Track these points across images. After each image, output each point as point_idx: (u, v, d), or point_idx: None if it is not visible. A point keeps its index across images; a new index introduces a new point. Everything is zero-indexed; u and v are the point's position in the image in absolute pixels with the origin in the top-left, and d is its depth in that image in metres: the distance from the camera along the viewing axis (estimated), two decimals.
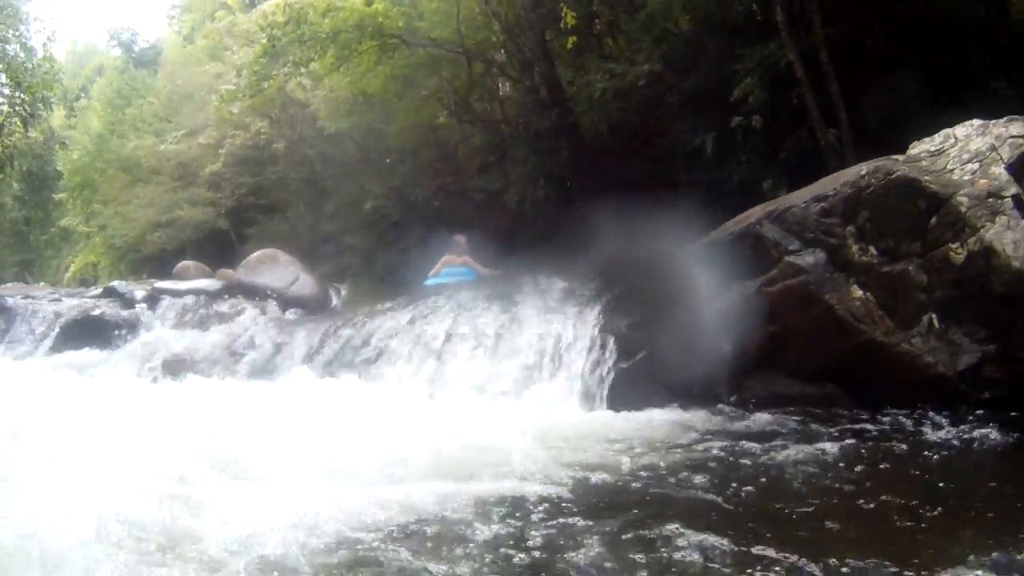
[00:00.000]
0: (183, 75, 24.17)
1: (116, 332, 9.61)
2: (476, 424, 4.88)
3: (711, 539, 2.87)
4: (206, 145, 21.24)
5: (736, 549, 2.80)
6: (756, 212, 5.20)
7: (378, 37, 12.51)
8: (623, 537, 2.99)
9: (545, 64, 11.82)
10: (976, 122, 4.81)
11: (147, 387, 7.42)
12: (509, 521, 3.23)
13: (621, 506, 3.39)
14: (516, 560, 2.81)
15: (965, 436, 3.97)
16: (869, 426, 4.27)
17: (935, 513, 3.09)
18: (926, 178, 4.38)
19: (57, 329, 9.99)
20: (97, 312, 10.07)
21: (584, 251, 8.69)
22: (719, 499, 3.44)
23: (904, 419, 4.23)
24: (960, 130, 4.79)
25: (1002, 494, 3.26)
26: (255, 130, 19.05)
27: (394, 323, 7.12)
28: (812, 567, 2.65)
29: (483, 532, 3.11)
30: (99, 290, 12.21)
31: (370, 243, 16.50)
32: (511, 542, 3.00)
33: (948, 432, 4.04)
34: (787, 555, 2.75)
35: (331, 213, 18.52)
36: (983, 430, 3.98)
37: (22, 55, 20.45)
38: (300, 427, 4.90)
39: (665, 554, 2.79)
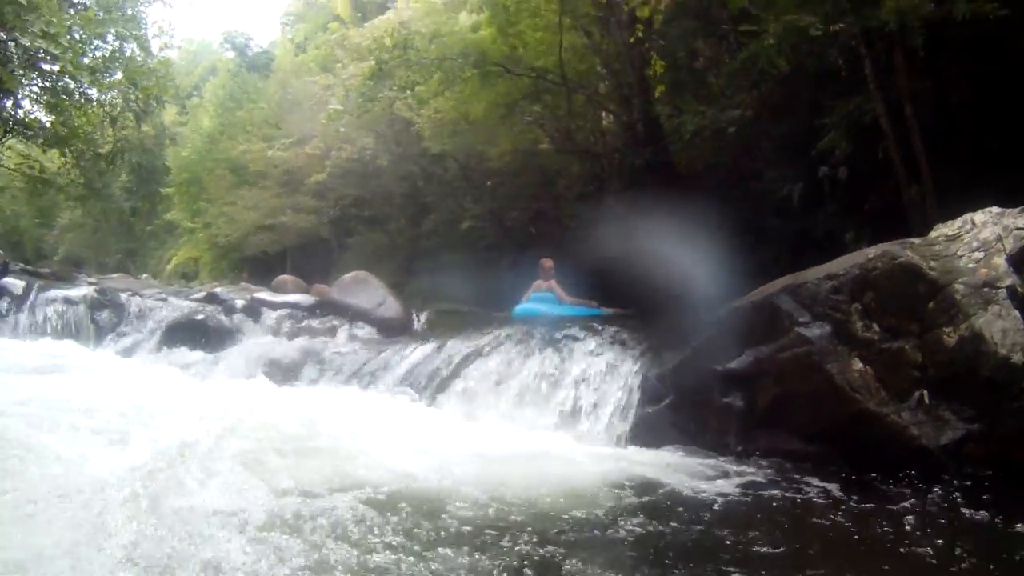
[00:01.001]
0: (294, 83, 25.32)
1: (216, 336, 10.74)
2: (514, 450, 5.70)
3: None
4: (312, 155, 22.34)
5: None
6: (777, 284, 5.85)
7: (481, 65, 13.33)
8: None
9: (643, 99, 12.46)
10: (994, 210, 5.29)
11: (249, 387, 8.38)
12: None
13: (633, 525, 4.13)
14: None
15: (938, 506, 4.46)
16: (853, 486, 4.83)
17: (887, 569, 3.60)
18: (931, 264, 4.98)
19: (163, 328, 11.19)
20: (200, 317, 11.24)
21: (665, 290, 9.16)
22: (703, 527, 4.15)
23: (887, 484, 4.73)
24: (979, 216, 5.31)
25: (952, 561, 3.69)
26: (361, 145, 20.05)
27: (461, 353, 7.99)
28: None
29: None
30: (202, 294, 13.46)
31: (466, 262, 17.33)
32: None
33: (923, 501, 4.53)
34: None
35: (430, 230, 19.49)
36: (957, 503, 4.48)
37: (140, 54, 22.14)
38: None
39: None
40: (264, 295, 12.85)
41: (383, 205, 21.27)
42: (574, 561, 3.57)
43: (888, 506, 4.49)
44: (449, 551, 3.57)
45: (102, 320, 11.68)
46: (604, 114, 14.66)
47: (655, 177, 12.36)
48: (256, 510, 3.97)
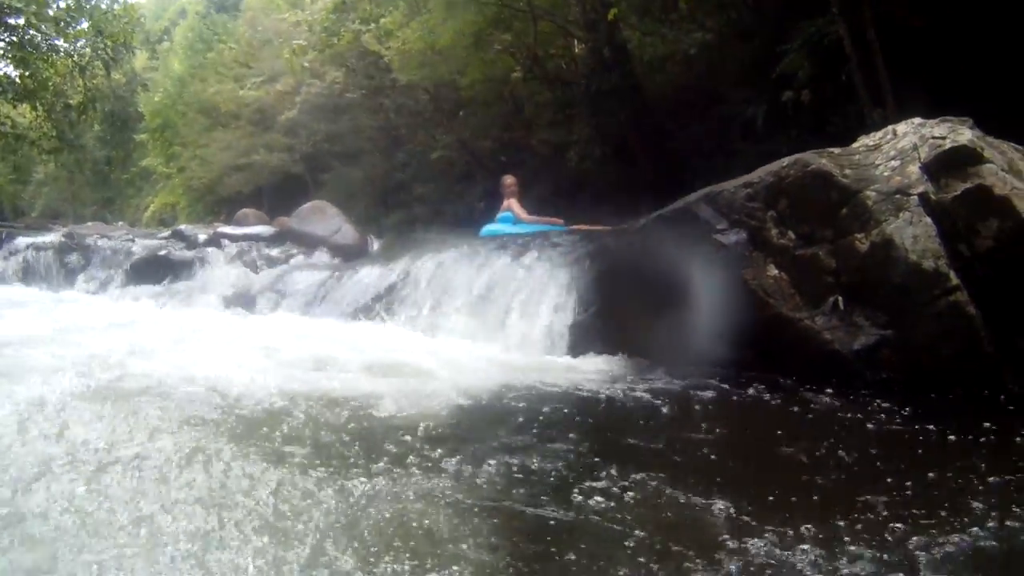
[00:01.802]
0: (263, 22, 25.26)
1: (178, 269, 11.14)
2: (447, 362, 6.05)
3: (569, 452, 3.87)
4: (283, 92, 22.48)
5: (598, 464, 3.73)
6: (698, 193, 6.10)
7: None
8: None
9: (608, 24, 12.62)
10: (916, 120, 5.45)
11: (202, 314, 8.90)
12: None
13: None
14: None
15: (851, 410, 4.59)
16: (769, 391, 4.95)
17: (793, 473, 3.68)
18: (845, 171, 5.20)
19: (128, 266, 11.56)
20: (163, 252, 11.63)
21: (635, 212, 9.37)
22: (617, 430, 4.35)
23: (802, 388, 4.81)
24: (901, 127, 5.45)
25: (860, 462, 3.80)
26: (331, 79, 20.19)
27: (406, 272, 8.39)
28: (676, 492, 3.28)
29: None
30: (167, 232, 13.89)
31: (439, 193, 17.63)
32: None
33: (836, 405, 4.69)
34: (651, 482, 3.40)
35: (403, 162, 19.72)
36: (869, 407, 4.61)
37: (106, 2, 22.18)
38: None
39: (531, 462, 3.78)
40: (226, 229, 13.27)
41: (355, 139, 21.41)
42: (498, 460, 3.82)
43: (801, 409, 4.60)
44: (374, 456, 3.81)
45: (71, 263, 12.01)
46: (575, 41, 14.80)
47: (622, 102, 12.51)
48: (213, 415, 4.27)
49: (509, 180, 10.93)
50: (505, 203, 10.64)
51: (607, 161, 13.20)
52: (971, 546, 2.83)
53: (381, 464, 3.57)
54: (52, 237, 13.02)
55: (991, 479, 3.43)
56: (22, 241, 12.63)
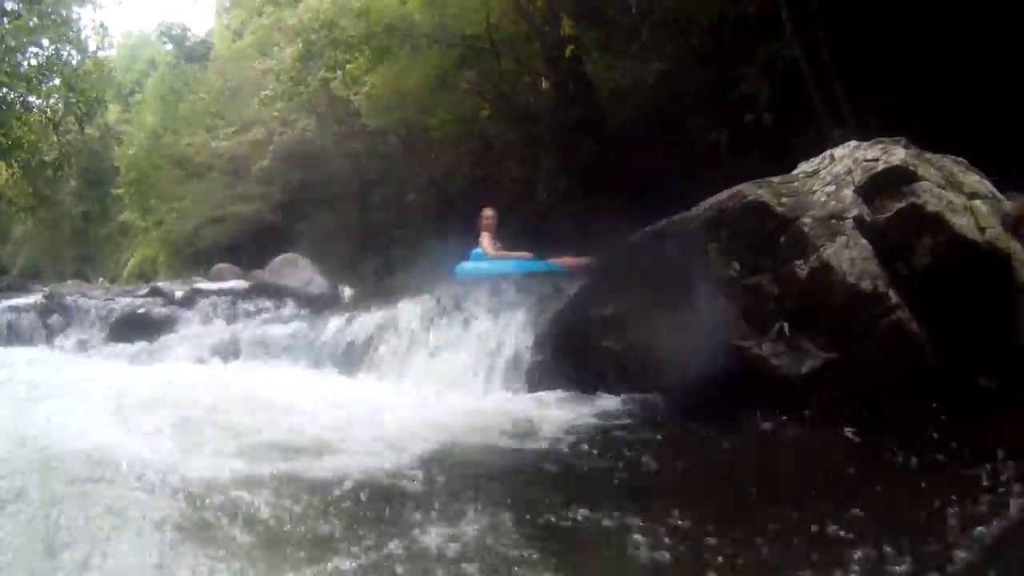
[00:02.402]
0: (233, 70, 25.45)
1: (157, 326, 11.36)
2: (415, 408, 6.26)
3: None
4: (255, 141, 22.67)
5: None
6: (645, 230, 6.32)
7: (409, 37, 13.71)
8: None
9: (570, 59, 12.88)
10: (852, 143, 5.66)
11: (180, 369, 9.04)
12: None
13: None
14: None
15: (800, 432, 4.84)
16: (720, 418, 5.12)
17: (744, 490, 3.91)
18: (782, 200, 5.42)
19: (108, 326, 11.80)
20: (142, 310, 11.90)
21: (601, 245, 9.58)
22: (570, 460, 4.57)
23: (752, 414, 5.01)
24: (838, 151, 5.66)
25: (810, 481, 4.04)
26: (301, 127, 20.45)
27: (374, 323, 8.66)
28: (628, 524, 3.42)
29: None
30: (146, 290, 14.13)
31: (415, 236, 17.76)
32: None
33: (786, 428, 4.91)
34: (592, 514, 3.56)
35: (377, 206, 19.93)
36: (817, 427, 4.85)
37: (76, 56, 22.45)
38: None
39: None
40: (202, 284, 13.69)
41: (329, 186, 21.60)
42: (462, 494, 4.00)
43: (752, 435, 4.85)
44: (342, 500, 3.98)
45: (52, 323, 12.23)
46: (541, 77, 15.05)
47: (587, 134, 12.76)
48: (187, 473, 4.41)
49: (487, 213, 11.02)
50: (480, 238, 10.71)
51: (573, 193, 13.38)
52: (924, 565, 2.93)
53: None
54: (33, 298, 13.27)
55: (945, 495, 3.54)
56: (3, 304, 12.87)
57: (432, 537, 3.42)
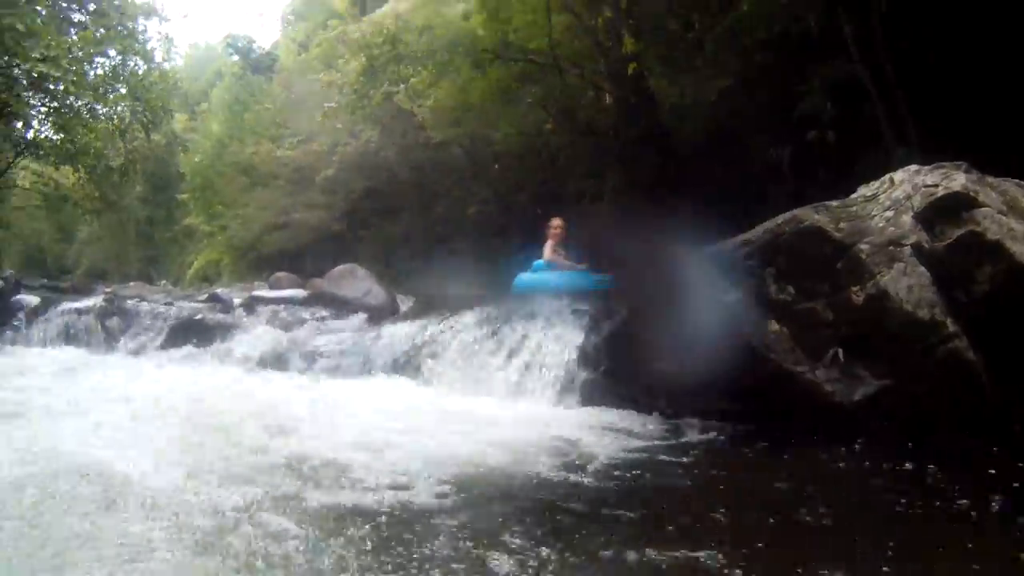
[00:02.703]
0: (298, 82, 25.83)
1: (214, 333, 11.64)
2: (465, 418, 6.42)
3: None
4: (319, 151, 23.05)
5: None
6: (699, 253, 6.39)
7: (472, 53, 13.92)
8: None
9: (633, 75, 12.96)
10: (912, 167, 5.71)
11: (235, 378, 9.21)
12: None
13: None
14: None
15: (854, 460, 4.82)
16: (773, 443, 5.23)
17: (794, 523, 3.84)
18: (840, 225, 5.47)
19: (164, 331, 12.12)
20: (199, 316, 12.19)
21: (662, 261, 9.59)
22: (624, 482, 4.57)
23: (804, 440, 5.10)
24: (898, 175, 5.71)
25: (864, 511, 4.02)
26: (365, 138, 20.73)
27: (429, 333, 8.87)
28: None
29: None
30: (205, 296, 14.48)
31: (477, 247, 17.95)
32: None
33: (839, 456, 4.88)
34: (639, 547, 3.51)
35: (440, 217, 20.14)
36: (871, 457, 4.82)
37: (143, 66, 23.14)
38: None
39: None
40: (261, 292, 13.83)
41: (393, 196, 21.83)
42: (511, 511, 4.11)
43: (804, 461, 4.82)
44: (389, 506, 4.11)
45: (111, 326, 12.54)
46: (605, 92, 15.15)
47: (651, 150, 12.84)
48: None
49: (555, 222, 11.17)
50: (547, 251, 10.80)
51: (637, 208, 13.44)
52: None
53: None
54: (93, 301, 13.58)
55: (1000, 527, 3.56)
56: (65, 305, 13.20)
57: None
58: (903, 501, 4.08)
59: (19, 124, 23.86)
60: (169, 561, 3.35)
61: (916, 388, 5.08)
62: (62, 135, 23.22)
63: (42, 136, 24.64)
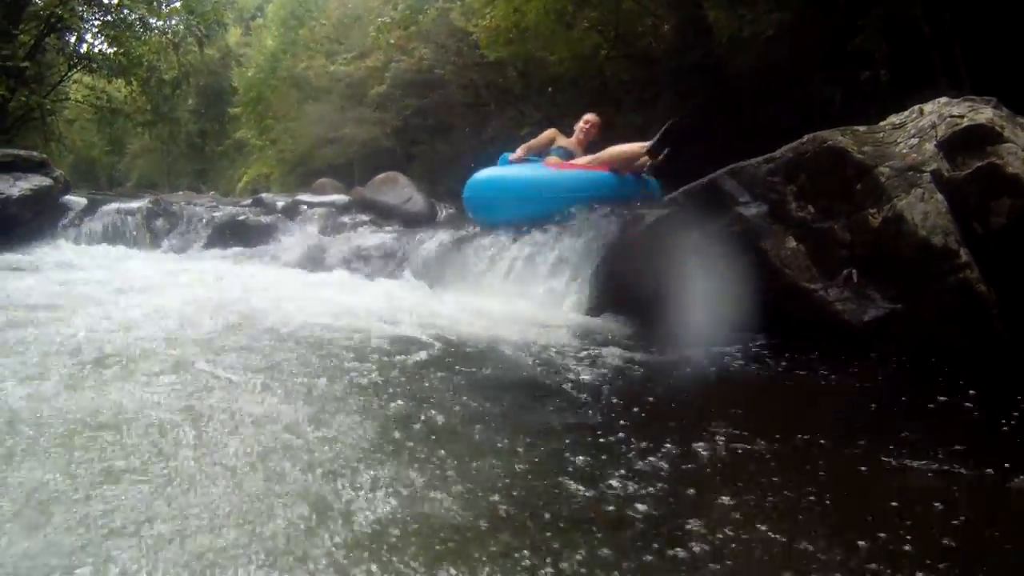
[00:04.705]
0: None
1: (256, 234, 12.14)
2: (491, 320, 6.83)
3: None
4: (373, 68, 23.36)
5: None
6: (723, 169, 6.62)
7: None
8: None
9: (690, 3, 13.11)
10: (942, 99, 5.86)
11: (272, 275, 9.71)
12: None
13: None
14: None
15: (858, 380, 4.98)
16: (781, 357, 5.40)
17: (794, 435, 3.86)
18: (862, 148, 5.68)
19: (208, 232, 12.62)
20: (242, 217, 12.69)
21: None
22: (637, 385, 4.80)
23: (811, 357, 5.31)
24: (928, 106, 5.83)
25: (862, 429, 3.98)
26: (419, 56, 20.98)
27: (464, 239, 9.33)
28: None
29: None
30: (250, 200, 15.04)
31: None
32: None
33: (842, 374, 5.05)
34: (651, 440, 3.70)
35: (492, 137, 20.38)
36: (875, 378, 5.01)
37: None
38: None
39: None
40: (304, 197, 14.37)
41: (445, 114, 22.05)
42: (535, 404, 4.36)
43: (809, 376, 5.04)
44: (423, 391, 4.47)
45: (156, 227, 13.05)
46: (661, 19, 15.24)
47: (704, 81, 12.98)
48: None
49: (586, 117, 10.00)
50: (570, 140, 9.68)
51: (688, 139, 13.57)
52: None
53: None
54: (139, 203, 14.06)
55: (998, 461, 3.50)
56: (111, 206, 13.67)
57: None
58: (903, 422, 4.20)
59: (72, 38, 24.48)
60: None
61: (925, 314, 5.23)
62: (115, 48, 23.73)
63: (95, 50, 25.22)
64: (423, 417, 3.93)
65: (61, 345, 4.88)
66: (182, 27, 24.54)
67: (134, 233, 12.90)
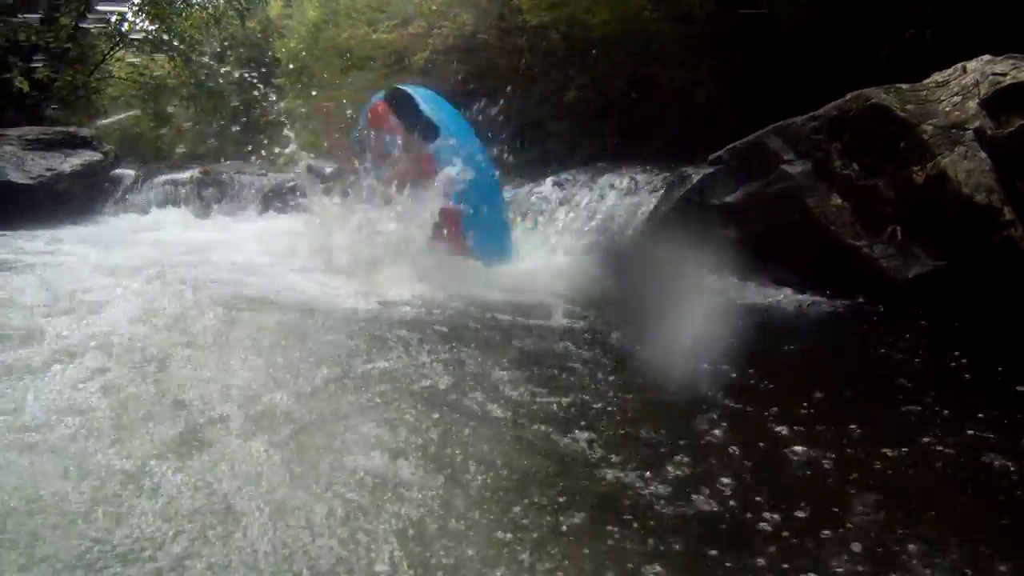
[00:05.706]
0: None
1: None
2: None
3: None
4: (416, 34, 23.48)
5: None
6: (768, 127, 6.75)
7: None
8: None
9: None
10: (986, 57, 6.04)
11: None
12: None
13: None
14: None
15: (899, 335, 5.19)
16: (826, 312, 5.77)
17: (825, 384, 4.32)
18: (906, 106, 5.81)
19: (259, 200, 12.89)
20: (291, 184, 12.98)
21: None
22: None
23: (855, 312, 5.71)
24: (972, 64, 6.03)
25: (904, 383, 4.31)
26: (461, 21, 21.06)
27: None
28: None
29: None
30: (299, 168, 15.36)
31: (572, 131, 18.40)
32: None
33: (887, 329, 5.34)
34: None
35: (537, 101, 20.53)
36: (917, 334, 5.23)
37: None
38: None
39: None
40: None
41: (490, 79, 22.12)
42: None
43: (853, 330, 5.33)
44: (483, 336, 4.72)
45: (207, 196, 13.34)
46: None
47: (748, 38, 13.01)
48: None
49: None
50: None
51: (732, 98, 13.63)
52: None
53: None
54: (189, 173, 14.35)
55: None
56: (162, 177, 13.98)
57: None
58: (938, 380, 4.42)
59: (113, 18, 24.91)
60: None
61: (968, 272, 5.41)
62: (156, 25, 24.13)
63: (137, 28, 25.65)
64: None
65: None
66: (223, 1, 24.83)
67: (185, 204, 13.18)
